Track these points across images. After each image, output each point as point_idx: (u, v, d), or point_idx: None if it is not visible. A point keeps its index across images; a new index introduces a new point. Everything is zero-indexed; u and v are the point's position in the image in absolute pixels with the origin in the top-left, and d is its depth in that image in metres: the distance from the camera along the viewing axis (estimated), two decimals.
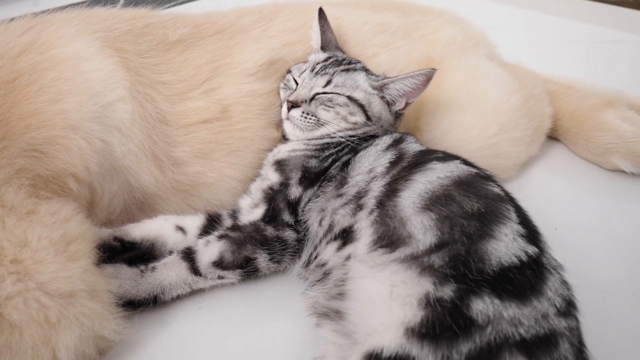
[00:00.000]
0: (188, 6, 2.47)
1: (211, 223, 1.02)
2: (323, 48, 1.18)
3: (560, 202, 1.26)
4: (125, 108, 0.97)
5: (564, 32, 2.32)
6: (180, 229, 1.01)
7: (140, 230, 0.99)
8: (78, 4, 1.16)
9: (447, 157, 0.94)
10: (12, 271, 0.74)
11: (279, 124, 1.14)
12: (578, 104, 1.43)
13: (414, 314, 0.71)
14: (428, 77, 1.06)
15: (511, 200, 0.86)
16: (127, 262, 0.94)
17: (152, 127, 1.00)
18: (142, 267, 0.93)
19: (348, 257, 0.86)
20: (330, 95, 1.07)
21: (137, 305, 0.90)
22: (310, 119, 1.05)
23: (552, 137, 1.48)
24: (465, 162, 0.93)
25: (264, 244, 0.95)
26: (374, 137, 1.07)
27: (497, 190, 0.86)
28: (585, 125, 1.39)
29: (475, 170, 0.90)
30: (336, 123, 1.06)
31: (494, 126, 1.21)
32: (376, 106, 1.09)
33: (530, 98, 1.33)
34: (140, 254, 0.98)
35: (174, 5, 2.43)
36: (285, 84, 1.14)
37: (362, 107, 1.07)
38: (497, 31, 1.58)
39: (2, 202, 0.80)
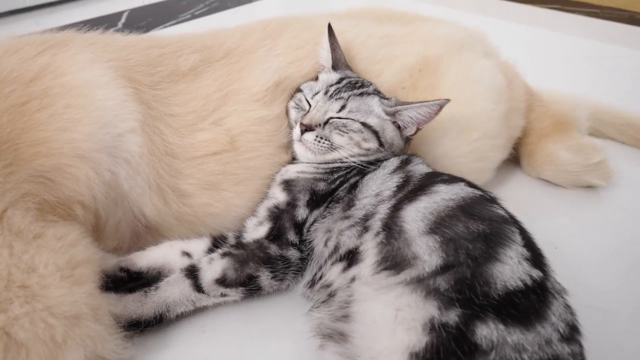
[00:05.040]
0: (189, 24, 2.47)
1: (216, 245, 1.02)
2: (334, 67, 1.16)
3: (559, 220, 1.27)
4: (135, 140, 0.96)
5: (559, 47, 2.32)
6: (187, 254, 1.00)
7: (146, 259, 0.99)
8: (77, 23, 1.15)
9: (452, 179, 0.94)
10: (20, 295, 0.75)
11: (288, 146, 1.12)
12: (532, 125, 1.42)
13: (418, 339, 0.71)
14: (441, 106, 1.05)
15: (515, 222, 0.86)
16: (129, 291, 0.94)
17: (159, 160, 0.99)
18: (146, 289, 0.93)
19: (353, 279, 0.86)
20: (344, 121, 1.05)
21: (143, 326, 0.90)
22: (323, 143, 1.04)
23: None
24: (470, 185, 0.93)
25: (267, 262, 0.95)
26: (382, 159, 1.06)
27: (501, 212, 0.86)
28: (534, 155, 1.40)
29: (480, 193, 0.90)
30: (349, 148, 1.04)
31: (478, 132, 1.22)
32: (389, 132, 1.07)
33: (514, 110, 1.33)
34: (146, 283, 0.97)
35: (175, 24, 2.43)
36: (297, 104, 1.12)
37: (375, 133, 1.06)
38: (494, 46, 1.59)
39: (9, 226, 0.80)
